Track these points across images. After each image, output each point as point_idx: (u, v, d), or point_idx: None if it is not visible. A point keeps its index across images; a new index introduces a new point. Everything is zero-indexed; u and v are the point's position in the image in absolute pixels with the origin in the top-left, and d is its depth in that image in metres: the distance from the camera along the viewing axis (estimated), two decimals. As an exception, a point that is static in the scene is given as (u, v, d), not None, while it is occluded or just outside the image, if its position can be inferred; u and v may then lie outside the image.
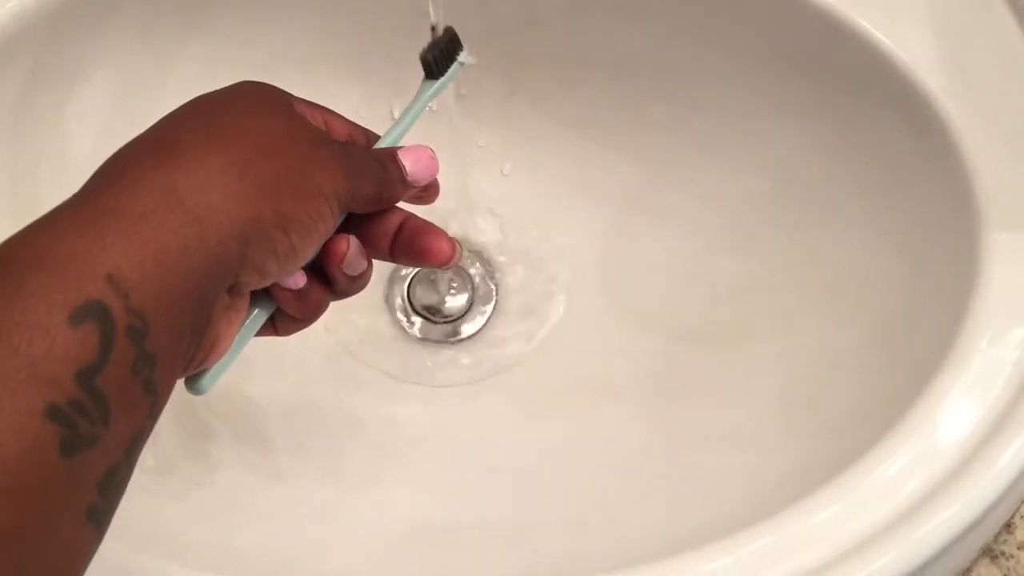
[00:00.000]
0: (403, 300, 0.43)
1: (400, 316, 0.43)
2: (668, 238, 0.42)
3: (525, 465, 0.39)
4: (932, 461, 0.31)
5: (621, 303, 0.43)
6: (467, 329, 0.43)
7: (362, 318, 0.42)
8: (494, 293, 0.44)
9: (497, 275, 0.44)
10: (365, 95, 0.43)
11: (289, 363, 0.39)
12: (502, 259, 0.44)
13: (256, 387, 0.39)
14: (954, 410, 0.31)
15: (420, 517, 0.37)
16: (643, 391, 0.41)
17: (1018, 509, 0.34)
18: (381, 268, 0.44)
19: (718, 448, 0.38)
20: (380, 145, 0.30)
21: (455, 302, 0.43)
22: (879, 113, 0.38)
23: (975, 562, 0.33)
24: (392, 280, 0.44)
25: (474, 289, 0.44)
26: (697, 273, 0.42)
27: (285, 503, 0.37)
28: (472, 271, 0.44)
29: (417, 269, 0.44)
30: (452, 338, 0.43)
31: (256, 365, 0.38)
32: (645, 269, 0.43)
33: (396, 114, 0.44)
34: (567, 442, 0.40)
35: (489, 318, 0.44)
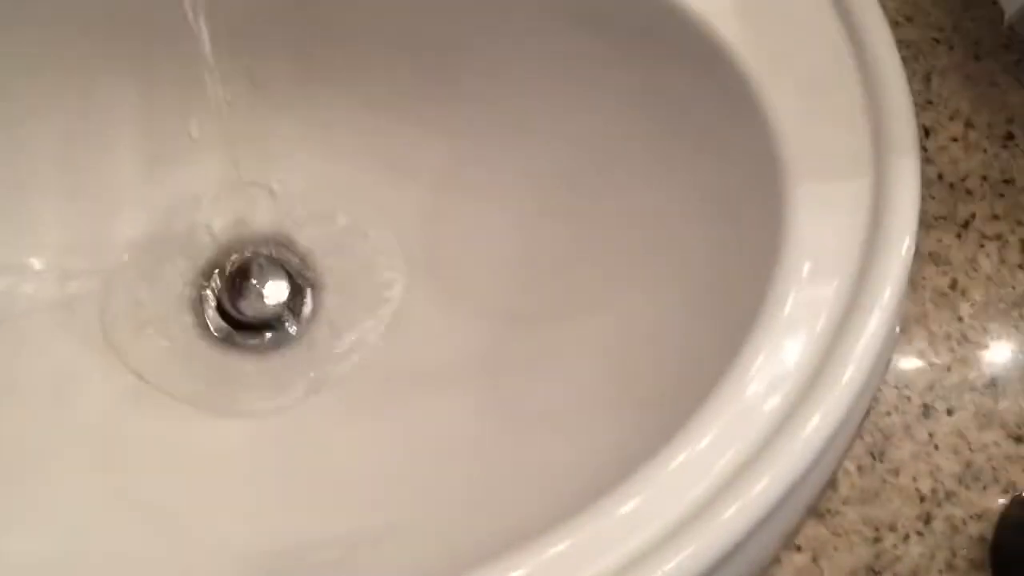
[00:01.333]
0: (210, 309, 0.40)
1: (206, 327, 0.40)
2: (485, 216, 0.41)
3: (351, 473, 0.37)
4: (748, 425, 0.30)
5: (443, 288, 0.41)
6: (284, 333, 0.41)
7: (161, 336, 0.39)
8: (310, 291, 0.41)
9: (312, 272, 0.42)
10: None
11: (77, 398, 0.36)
12: (316, 253, 0.42)
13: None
14: (767, 370, 0.31)
15: (240, 544, 0.35)
16: (472, 378, 0.39)
17: (840, 465, 0.34)
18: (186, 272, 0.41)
19: (542, 434, 0.36)
20: None
21: (269, 305, 0.41)
22: (680, 70, 0.36)
23: (801, 523, 0.33)
24: (197, 286, 0.41)
25: (292, 289, 0.41)
26: (517, 250, 0.40)
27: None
28: (286, 270, 0.41)
29: (225, 271, 0.41)
30: (269, 343, 0.40)
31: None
32: (465, 250, 0.41)
33: (195, 134, 0.40)
34: (395, 442, 0.38)
35: (308, 318, 0.41)
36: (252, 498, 0.37)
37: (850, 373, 0.30)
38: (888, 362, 0.35)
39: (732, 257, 0.36)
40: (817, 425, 0.30)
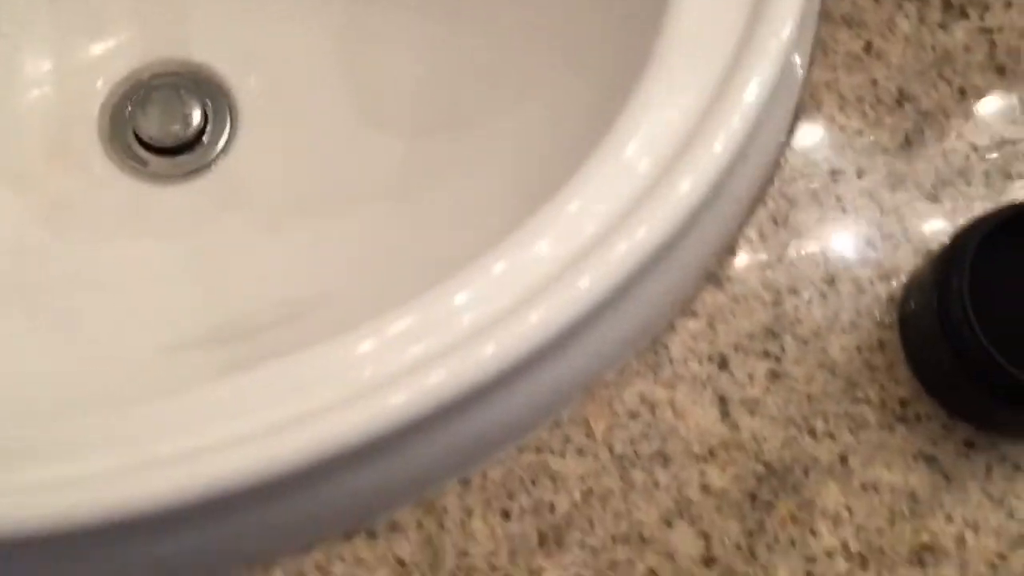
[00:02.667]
0: (125, 134, 0.40)
1: (121, 151, 0.40)
2: (394, 39, 0.40)
3: (272, 268, 0.38)
4: (622, 185, 0.29)
5: (358, 102, 0.40)
6: (199, 155, 0.40)
7: (76, 163, 0.39)
8: (227, 116, 0.41)
9: (226, 97, 0.41)
10: None
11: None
12: (230, 79, 0.41)
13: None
14: (644, 135, 0.30)
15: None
16: (386, 188, 0.39)
17: (741, 233, 0.33)
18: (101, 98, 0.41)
19: (449, 229, 0.36)
20: None
21: (183, 129, 0.40)
22: None
23: (698, 289, 0.32)
24: (111, 112, 0.41)
25: (206, 113, 0.41)
26: (426, 68, 0.39)
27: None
28: (200, 95, 0.41)
29: (139, 97, 0.41)
30: (183, 166, 0.40)
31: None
32: (375, 71, 0.40)
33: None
34: (312, 254, 0.38)
35: (224, 141, 0.41)
36: (183, 297, 0.37)
37: (723, 139, 0.29)
38: (791, 128, 0.34)
39: (619, 35, 0.34)
40: (688, 189, 0.28)
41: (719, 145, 0.29)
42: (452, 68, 0.40)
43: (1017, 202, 0.29)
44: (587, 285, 0.27)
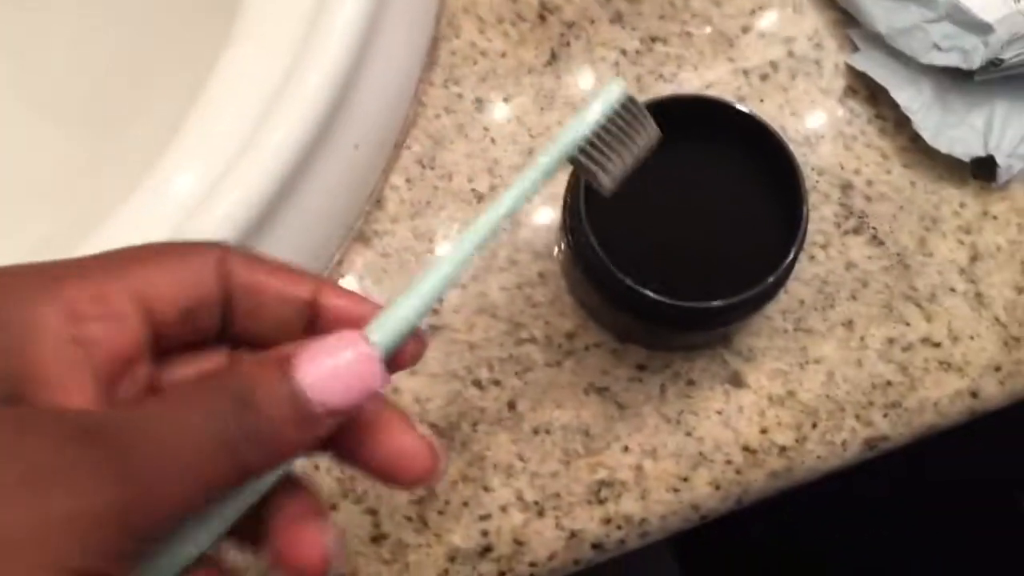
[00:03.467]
0: None
1: None
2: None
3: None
4: (219, 144, 0.26)
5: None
6: None
7: None
8: None
9: None
10: None
11: None
12: None
13: None
14: (235, 86, 0.27)
15: None
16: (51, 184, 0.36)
17: (388, 181, 0.31)
18: None
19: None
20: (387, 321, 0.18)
21: None
22: None
23: (347, 249, 0.30)
24: None
25: None
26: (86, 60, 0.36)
27: None
28: None
29: None
30: None
31: None
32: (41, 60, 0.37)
33: None
34: None
35: None
36: None
37: (315, 82, 0.26)
38: (430, 63, 0.31)
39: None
40: (283, 136, 0.26)
41: (312, 88, 0.26)
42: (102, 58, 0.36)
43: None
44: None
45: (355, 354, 0.16)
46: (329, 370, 0.16)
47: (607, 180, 0.20)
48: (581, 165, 0.19)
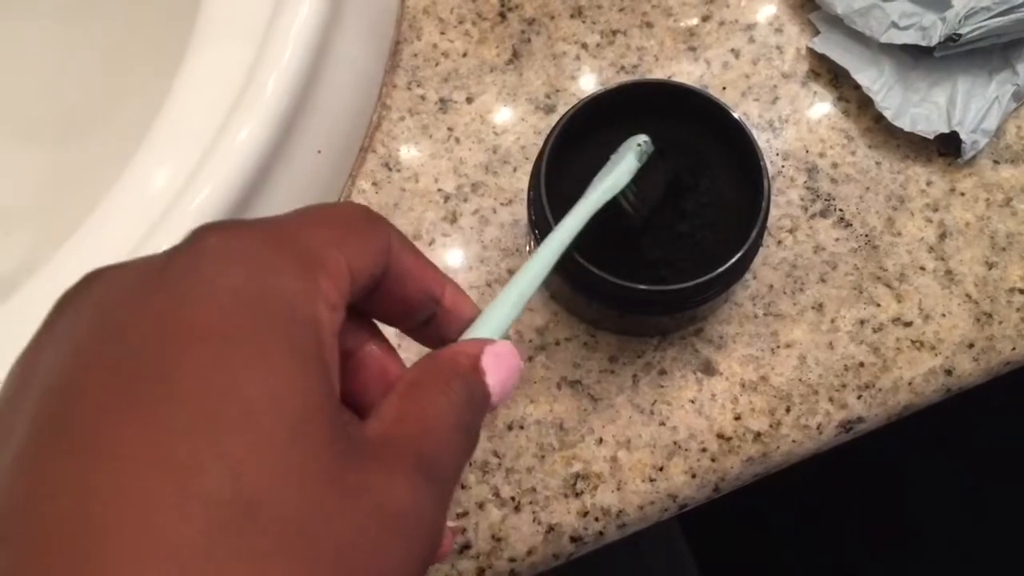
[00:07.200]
0: None
1: None
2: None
3: None
4: (189, 143, 0.27)
5: None
6: None
7: None
8: None
9: None
10: None
11: None
12: None
13: None
14: (204, 85, 0.27)
15: None
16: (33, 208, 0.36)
17: (355, 185, 0.31)
18: None
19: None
20: (477, 333, 0.19)
21: None
22: None
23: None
24: None
25: None
26: (57, 75, 0.36)
27: None
28: None
29: None
30: None
31: None
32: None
33: None
34: None
35: None
36: None
37: (274, 79, 0.26)
38: (392, 67, 0.32)
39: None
40: (244, 138, 0.26)
41: (270, 89, 0.27)
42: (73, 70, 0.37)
43: (588, 95, 0.27)
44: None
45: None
46: (504, 375, 0.18)
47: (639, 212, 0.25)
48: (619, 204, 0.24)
